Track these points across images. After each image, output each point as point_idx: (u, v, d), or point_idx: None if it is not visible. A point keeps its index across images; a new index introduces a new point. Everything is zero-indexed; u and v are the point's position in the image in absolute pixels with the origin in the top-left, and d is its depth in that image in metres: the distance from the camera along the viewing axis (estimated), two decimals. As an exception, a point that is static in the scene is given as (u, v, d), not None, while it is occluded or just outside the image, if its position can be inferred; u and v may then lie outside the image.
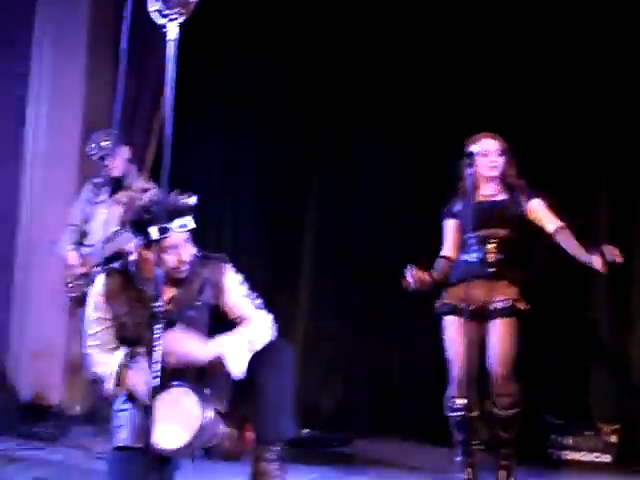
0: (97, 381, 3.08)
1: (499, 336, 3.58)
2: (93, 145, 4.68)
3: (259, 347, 2.98)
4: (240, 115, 5.44)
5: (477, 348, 3.60)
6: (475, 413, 3.60)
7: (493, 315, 3.60)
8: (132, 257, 3.10)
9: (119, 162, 4.65)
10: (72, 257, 4.63)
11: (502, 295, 3.60)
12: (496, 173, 3.72)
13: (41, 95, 5.61)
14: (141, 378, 2.89)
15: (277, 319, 3.10)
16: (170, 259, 2.93)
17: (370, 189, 5.20)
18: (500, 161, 3.71)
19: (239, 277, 3.13)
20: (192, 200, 3.71)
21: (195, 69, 5.03)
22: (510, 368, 3.57)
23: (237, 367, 2.93)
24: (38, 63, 5.64)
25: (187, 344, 2.91)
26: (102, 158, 4.63)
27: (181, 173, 4.35)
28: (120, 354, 3.00)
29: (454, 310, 3.61)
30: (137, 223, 2.98)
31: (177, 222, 2.92)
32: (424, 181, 4.91)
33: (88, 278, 4.35)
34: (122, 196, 4.57)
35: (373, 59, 5.13)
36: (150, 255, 2.96)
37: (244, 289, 3.12)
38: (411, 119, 4.99)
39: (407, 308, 4.95)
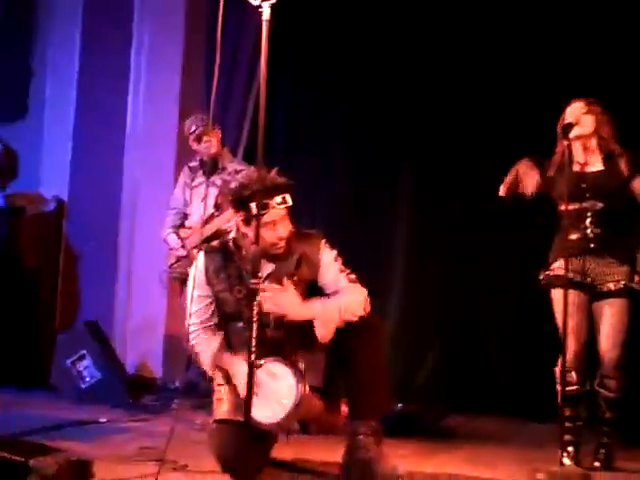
0: (197, 358, 3.20)
1: (612, 319, 3.51)
2: (189, 128, 4.79)
3: (351, 317, 3.01)
4: (331, 92, 5.45)
5: (587, 324, 3.55)
6: (586, 388, 3.56)
7: (605, 296, 3.53)
8: (231, 235, 3.18)
9: (214, 145, 4.75)
10: (172, 240, 4.77)
11: (613, 275, 3.51)
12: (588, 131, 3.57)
13: (139, 81, 5.78)
14: (237, 371, 2.99)
15: (371, 294, 3.13)
16: (269, 235, 2.98)
17: (468, 162, 5.15)
18: (587, 121, 3.56)
19: (334, 252, 3.17)
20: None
21: (287, 49, 5.09)
22: (621, 352, 3.52)
23: (325, 331, 2.98)
24: (137, 50, 5.80)
25: (283, 298, 2.97)
26: (198, 141, 4.74)
27: (276, 150, 4.47)
28: (218, 340, 3.11)
29: (562, 283, 3.44)
30: (237, 199, 3.05)
31: (276, 198, 2.99)
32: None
33: (188, 259, 4.50)
34: (217, 179, 4.67)
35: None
36: (249, 231, 3.03)
37: (339, 264, 3.15)
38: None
39: (504, 281, 4.94)
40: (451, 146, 5.12)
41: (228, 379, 3.11)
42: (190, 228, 4.75)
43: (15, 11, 6.34)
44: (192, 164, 4.88)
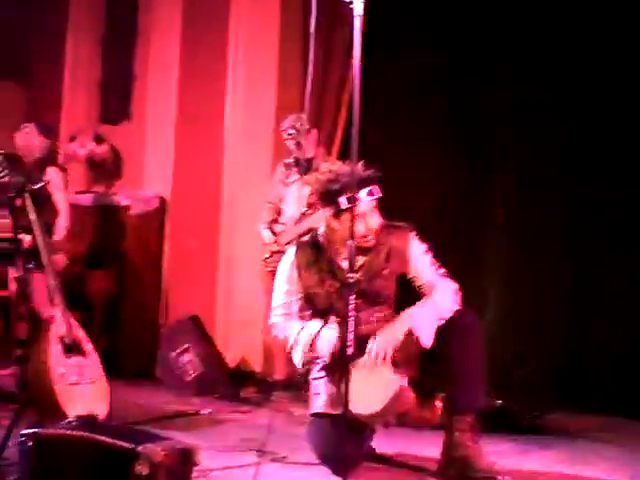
0: (291, 349, 3.24)
1: None
2: (286, 127, 4.85)
3: (446, 316, 3.02)
4: (425, 87, 5.42)
5: None
6: None
7: None
8: (321, 230, 3.21)
9: (310, 144, 4.80)
10: (266, 236, 4.85)
11: None
12: None
13: (237, 80, 5.89)
14: (329, 342, 3.00)
15: (468, 286, 3.11)
16: (358, 228, 2.97)
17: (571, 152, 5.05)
18: None
19: (424, 246, 3.17)
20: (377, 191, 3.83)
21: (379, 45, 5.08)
22: None
23: (426, 337, 2.99)
24: (234, 50, 5.92)
25: (386, 337, 3.00)
26: (294, 140, 4.80)
27: (371, 145, 4.46)
28: (313, 323, 3.11)
29: None
30: (325, 194, 3.09)
31: (364, 191, 3.00)
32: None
33: (281, 255, 4.54)
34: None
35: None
36: (338, 225, 3.06)
37: (429, 258, 3.14)
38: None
39: (606, 275, 4.83)
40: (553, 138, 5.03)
41: (326, 367, 3.13)
42: (284, 224, 4.82)
43: (118, 14, 6.59)
44: (287, 161, 4.94)
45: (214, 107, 5.90)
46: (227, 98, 5.88)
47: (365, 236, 3.05)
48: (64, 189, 4.89)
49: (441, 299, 3.07)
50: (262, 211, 4.97)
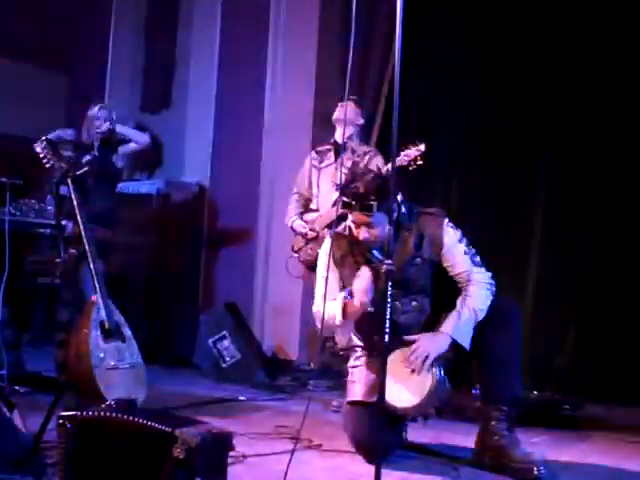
0: (330, 337, 3.25)
1: None
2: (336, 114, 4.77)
3: (482, 317, 3.00)
4: (466, 75, 5.37)
5: None
6: None
7: None
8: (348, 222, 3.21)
9: (352, 124, 4.73)
10: (299, 226, 4.81)
11: None
12: None
13: (276, 67, 5.90)
14: (363, 288, 2.98)
15: (507, 276, 3.07)
16: (361, 233, 3.05)
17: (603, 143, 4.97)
18: None
19: (458, 233, 3.13)
20: (421, 147, 3.81)
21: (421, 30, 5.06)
22: None
23: (467, 342, 2.98)
24: (274, 37, 5.92)
25: (425, 346, 2.98)
26: (338, 124, 4.72)
27: (410, 128, 4.40)
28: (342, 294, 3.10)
29: None
30: (343, 192, 3.10)
31: (361, 204, 3.00)
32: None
33: (318, 241, 4.53)
34: (346, 160, 4.66)
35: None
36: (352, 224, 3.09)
37: (463, 245, 3.11)
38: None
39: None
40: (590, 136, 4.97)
41: (366, 349, 3.13)
42: (317, 210, 4.80)
43: (159, 1, 6.63)
44: (319, 148, 4.91)
45: (254, 94, 5.92)
46: (267, 85, 5.90)
47: (369, 241, 3.06)
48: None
49: (476, 300, 3.03)
50: (290, 203, 4.95)
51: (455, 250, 3.11)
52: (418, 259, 3.10)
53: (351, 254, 3.18)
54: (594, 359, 4.81)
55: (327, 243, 3.26)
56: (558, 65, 5.00)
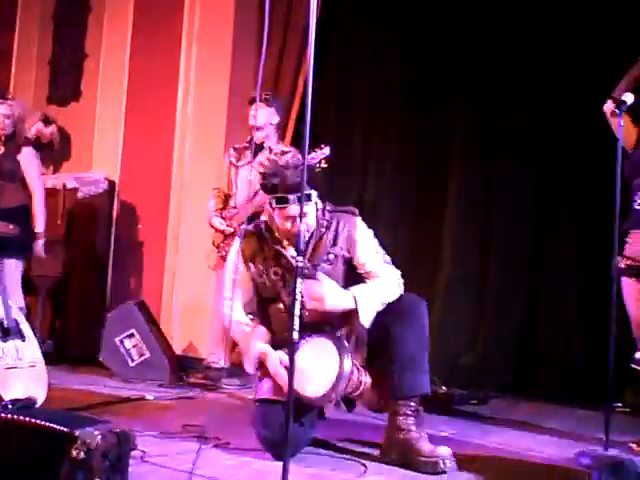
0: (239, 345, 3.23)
1: None
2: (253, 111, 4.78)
3: (389, 300, 3.03)
4: (382, 64, 5.43)
5: None
6: None
7: None
8: (263, 217, 3.21)
9: (266, 126, 4.77)
10: (217, 222, 4.80)
11: None
12: None
13: (190, 62, 5.81)
14: (278, 370, 3.01)
15: (418, 274, 3.11)
16: (290, 225, 3.03)
17: (514, 142, 5.09)
18: None
19: (370, 232, 3.18)
20: (326, 150, 3.83)
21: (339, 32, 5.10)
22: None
23: (366, 316, 3.00)
24: (188, 31, 5.83)
25: (324, 290, 2.99)
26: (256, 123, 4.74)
27: (323, 127, 4.41)
28: (260, 343, 3.11)
29: (630, 272, 3.46)
30: (264, 185, 3.09)
31: (295, 195, 2.98)
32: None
33: (235, 237, 4.51)
34: (263, 159, 4.67)
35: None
36: (276, 216, 3.07)
37: (374, 244, 3.16)
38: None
39: (554, 263, 4.90)
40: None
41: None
42: (235, 207, 4.80)
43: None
44: (237, 145, 4.93)
45: (166, 89, 5.83)
46: (180, 80, 5.81)
47: (297, 232, 3.03)
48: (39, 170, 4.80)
49: (384, 284, 3.08)
50: (209, 200, 4.92)
51: (367, 248, 3.15)
52: (332, 256, 3.12)
53: (261, 252, 3.16)
54: (500, 356, 4.93)
55: (235, 245, 3.24)
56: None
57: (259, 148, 4.73)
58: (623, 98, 3.41)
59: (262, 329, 3.18)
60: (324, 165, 4.02)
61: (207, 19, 5.78)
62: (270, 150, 4.67)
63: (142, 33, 5.99)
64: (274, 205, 3.06)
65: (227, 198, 4.88)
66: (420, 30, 5.30)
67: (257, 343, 3.13)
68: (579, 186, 4.86)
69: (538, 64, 4.95)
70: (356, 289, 3.06)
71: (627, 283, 3.52)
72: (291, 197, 3.00)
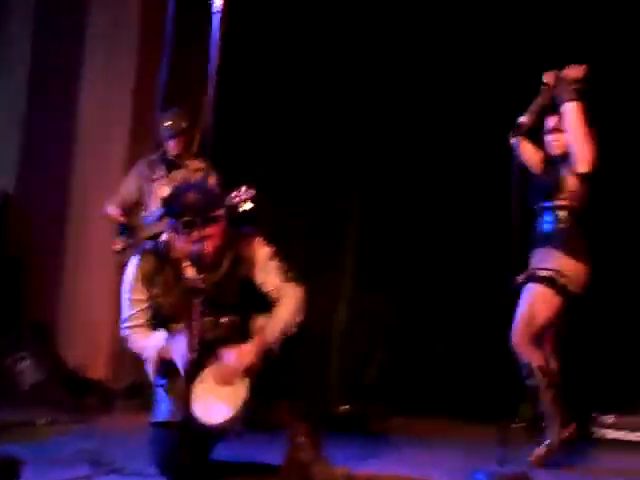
0: (140, 354, 3.14)
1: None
2: (167, 123, 4.74)
3: (291, 332, 3.02)
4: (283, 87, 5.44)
5: None
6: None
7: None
8: (164, 237, 3.14)
9: (180, 142, 4.71)
10: (112, 209, 4.73)
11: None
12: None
13: (93, 71, 5.68)
14: (180, 354, 2.93)
15: (321, 291, 3.09)
16: (195, 248, 2.96)
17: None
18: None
19: (271, 250, 3.14)
20: (251, 192, 3.74)
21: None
22: (519, 333, 3.55)
23: (275, 352, 2.99)
24: (91, 40, 5.71)
25: (236, 361, 2.95)
26: (171, 137, 4.69)
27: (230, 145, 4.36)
28: (160, 335, 3.05)
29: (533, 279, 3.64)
30: (167, 207, 3.03)
31: (203, 218, 2.93)
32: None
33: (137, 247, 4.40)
34: (177, 175, 4.62)
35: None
36: (177, 240, 3.01)
37: (276, 262, 3.12)
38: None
39: (454, 282, 4.98)
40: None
41: (168, 374, 3.05)
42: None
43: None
44: (152, 158, 4.84)
45: (67, 98, 5.67)
46: (82, 86, 5.67)
47: (202, 255, 2.97)
48: None
49: (286, 315, 3.04)
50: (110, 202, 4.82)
51: (268, 267, 3.11)
52: (232, 277, 3.06)
53: (161, 272, 3.08)
54: (401, 373, 4.98)
55: (133, 264, 3.15)
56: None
57: (173, 162, 4.68)
58: (518, 121, 3.51)
59: (159, 334, 3.09)
60: (249, 206, 3.98)
61: (112, 29, 5.68)
62: (185, 166, 4.65)
63: (43, 40, 5.76)
64: (179, 229, 2.98)
65: (128, 205, 4.78)
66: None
67: (154, 344, 3.05)
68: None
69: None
70: (257, 339, 3.01)
71: (533, 289, 3.59)
72: (196, 219, 2.93)
